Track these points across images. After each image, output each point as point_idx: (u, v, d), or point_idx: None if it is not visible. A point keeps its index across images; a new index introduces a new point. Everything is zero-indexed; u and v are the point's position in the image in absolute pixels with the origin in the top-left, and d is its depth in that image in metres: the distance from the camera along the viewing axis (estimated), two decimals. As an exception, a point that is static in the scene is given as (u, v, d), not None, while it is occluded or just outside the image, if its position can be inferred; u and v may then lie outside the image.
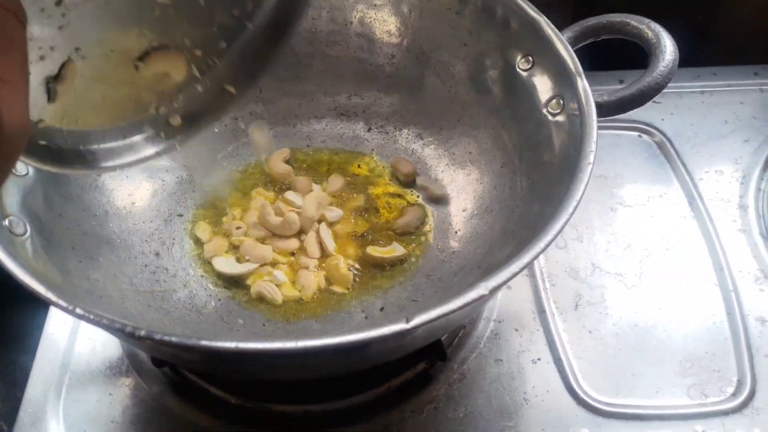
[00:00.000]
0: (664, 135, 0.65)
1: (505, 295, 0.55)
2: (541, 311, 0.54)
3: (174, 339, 0.35)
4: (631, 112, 0.64)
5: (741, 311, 0.53)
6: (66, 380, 0.51)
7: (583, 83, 0.46)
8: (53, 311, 0.55)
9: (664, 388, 0.50)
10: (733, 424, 0.48)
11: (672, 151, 0.64)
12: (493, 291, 0.37)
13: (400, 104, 0.60)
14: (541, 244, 0.38)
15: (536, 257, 0.38)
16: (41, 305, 0.55)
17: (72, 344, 0.53)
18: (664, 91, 0.66)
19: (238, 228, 0.54)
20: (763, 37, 0.72)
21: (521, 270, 0.37)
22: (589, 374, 0.51)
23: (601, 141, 0.64)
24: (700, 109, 0.67)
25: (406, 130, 0.60)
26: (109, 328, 0.37)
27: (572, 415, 0.49)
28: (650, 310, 0.54)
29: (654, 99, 0.65)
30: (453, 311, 0.36)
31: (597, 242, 0.58)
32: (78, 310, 0.37)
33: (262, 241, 0.54)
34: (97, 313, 0.36)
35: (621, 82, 0.67)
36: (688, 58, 0.71)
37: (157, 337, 0.35)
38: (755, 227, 0.58)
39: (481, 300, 0.37)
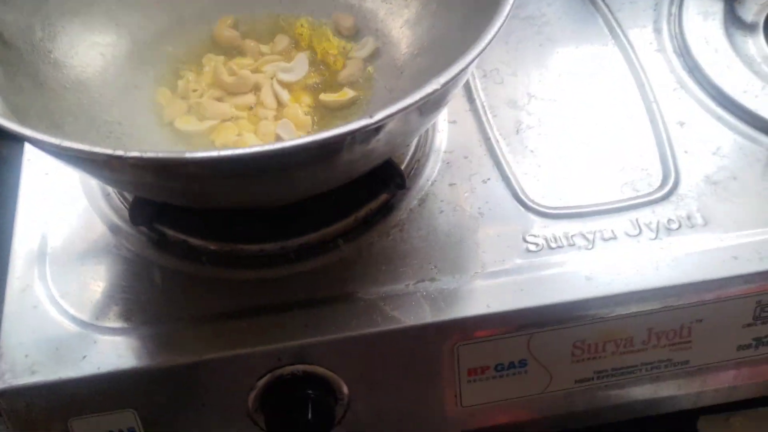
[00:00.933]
0: (586, -26, 0.69)
1: (452, 130, 0.60)
2: (487, 139, 0.59)
3: (161, 155, 0.38)
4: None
5: (662, 117, 0.59)
6: (48, 249, 0.54)
7: None
8: (25, 174, 0.57)
9: (601, 188, 0.56)
10: (661, 209, 0.54)
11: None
12: (445, 85, 0.41)
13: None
14: (478, 47, 0.42)
15: (482, 52, 0.42)
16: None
17: (50, 213, 0.55)
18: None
19: (194, 90, 0.56)
20: None
21: (469, 65, 0.42)
22: (535, 186, 0.56)
23: (524, -14, 0.69)
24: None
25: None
26: (96, 156, 0.39)
27: (523, 220, 0.54)
28: (584, 126, 0.59)
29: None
30: (412, 104, 0.40)
31: (530, 75, 0.63)
32: (65, 143, 0.39)
33: (219, 100, 0.56)
34: (82, 146, 0.39)
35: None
36: None
37: (146, 155, 0.38)
38: (669, 46, 0.64)
39: (436, 94, 0.41)
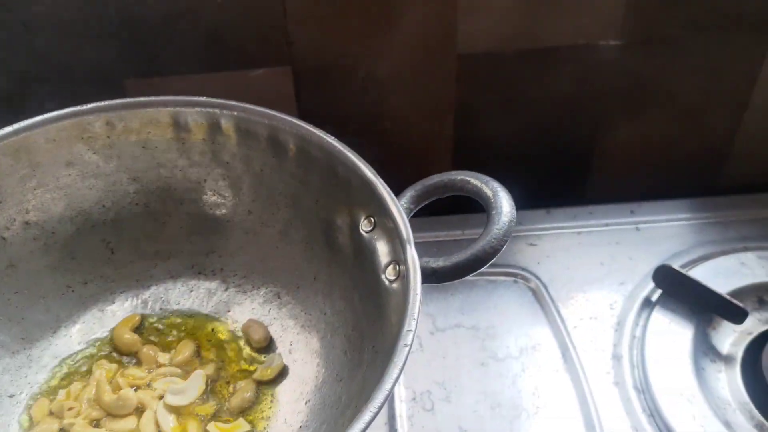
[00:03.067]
0: (540, 280, 0.63)
1: (366, 467, 0.51)
2: (403, 492, 0.50)
3: None
4: (507, 255, 0.63)
5: (613, 476, 0.50)
6: None
7: (411, 252, 0.44)
8: None
9: None
10: None
11: (547, 297, 0.62)
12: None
13: (258, 261, 0.58)
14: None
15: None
16: None
17: None
18: (540, 233, 0.66)
19: (69, 409, 0.50)
20: (640, 174, 0.72)
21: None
22: None
23: (474, 289, 0.63)
24: (577, 251, 0.66)
25: (264, 289, 0.57)
26: None
27: None
28: (518, 480, 0.50)
29: (530, 241, 0.64)
30: None
31: (465, 402, 0.55)
32: None
33: (96, 421, 0.50)
34: None
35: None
36: (567, 198, 0.72)
37: None
38: (629, 379, 0.56)
39: None
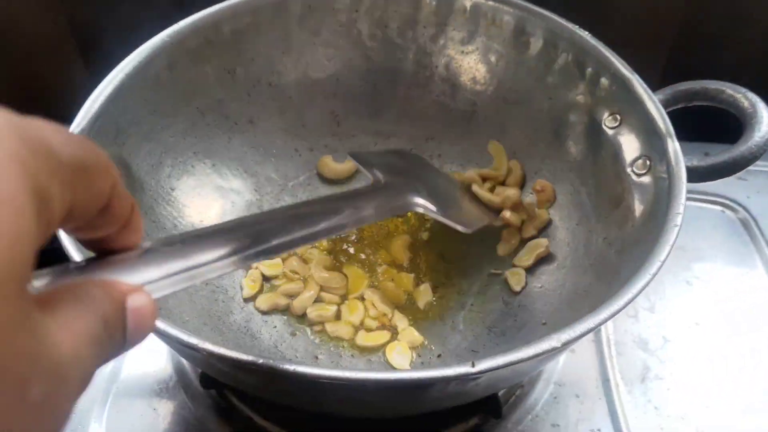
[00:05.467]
0: (749, 213, 0.62)
1: (569, 359, 0.53)
2: (605, 380, 0.52)
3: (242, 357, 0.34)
4: (715, 186, 0.62)
5: (825, 407, 0.50)
6: (113, 388, 0.51)
7: (674, 144, 0.44)
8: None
9: (734, 478, 0.46)
10: None
11: (756, 230, 0.61)
12: (566, 344, 0.35)
13: (477, 152, 0.59)
14: (620, 302, 0.36)
15: (614, 315, 0.36)
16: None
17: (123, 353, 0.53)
18: (751, 168, 0.64)
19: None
20: None
21: (597, 326, 0.35)
22: (653, 453, 0.48)
23: (680, 211, 0.62)
24: (789, 191, 0.64)
25: (481, 179, 0.59)
26: (183, 346, 0.36)
27: (631, 494, 0.46)
28: (723, 395, 0.50)
29: (740, 175, 0.62)
30: (522, 360, 0.34)
31: (670, 315, 0.55)
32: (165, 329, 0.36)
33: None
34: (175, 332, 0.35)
35: (706, 155, 0.64)
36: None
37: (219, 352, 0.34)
38: (844, 318, 0.55)
39: (553, 352, 0.35)
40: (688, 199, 0.62)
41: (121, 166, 0.49)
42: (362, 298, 0.52)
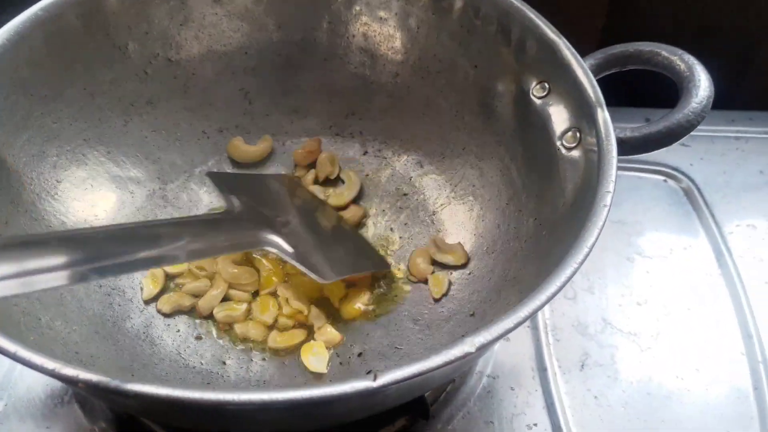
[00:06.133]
0: (692, 181, 0.59)
1: (503, 348, 0.49)
2: (542, 369, 0.48)
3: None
4: (656, 154, 0.58)
5: (773, 383, 0.47)
6: (1, 406, 0.46)
7: (603, 114, 0.40)
8: None
9: (678, 470, 0.43)
10: None
11: (700, 199, 0.58)
12: (481, 349, 0.31)
13: (402, 127, 0.54)
14: (543, 297, 0.32)
15: (536, 311, 0.32)
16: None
17: (14, 365, 0.48)
18: (694, 134, 0.60)
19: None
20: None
21: (516, 326, 0.31)
22: (592, 447, 0.44)
23: (621, 183, 0.58)
24: (734, 157, 0.61)
25: (405, 156, 0.54)
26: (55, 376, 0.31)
27: (569, 496, 0.42)
28: (666, 378, 0.47)
29: (682, 141, 0.59)
30: (429, 370, 0.30)
31: (610, 295, 0.52)
32: (20, 353, 0.31)
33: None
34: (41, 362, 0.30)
35: (647, 120, 0.61)
36: (723, 101, 0.65)
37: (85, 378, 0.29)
38: (789, 289, 0.52)
39: (466, 358, 0.31)
40: (627, 169, 0.60)
41: (-7, 157, 0.44)
42: (275, 294, 0.47)
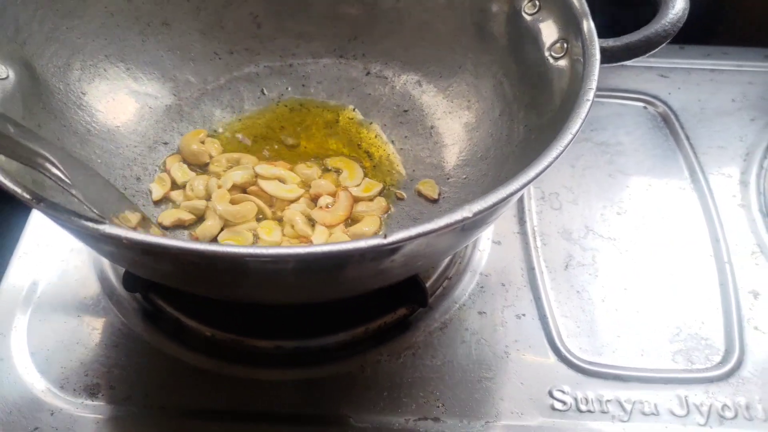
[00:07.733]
0: (670, 108, 0.63)
1: (495, 251, 0.54)
2: (530, 269, 0.53)
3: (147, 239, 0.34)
4: (637, 84, 0.63)
5: (734, 283, 0.52)
6: (35, 297, 0.50)
7: (588, 23, 0.44)
8: (31, 225, 0.54)
9: (649, 351, 0.48)
10: (717, 390, 0.46)
11: (676, 124, 0.62)
12: (477, 214, 0.35)
13: (402, 49, 0.58)
14: (531, 173, 0.37)
15: (527, 185, 0.36)
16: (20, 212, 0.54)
17: (46, 261, 0.52)
18: (672, 66, 0.65)
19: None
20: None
21: (508, 197, 0.36)
22: (574, 333, 0.49)
23: (604, 109, 0.64)
24: (708, 87, 0.65)
25: (405, 76, 0.58)
26: (74, 225, 0.35)
27: (553, 371, 0.47)
28: (641, 276, 0.52)
29: (662, 72, 0.64)
30: (432, 231, 0.34)
31: (592, 206, 0.56)
32: (42, 205, 0.35)
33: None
34: (63, 209, 0.35)
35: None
36: (700, 36, 0.70)
37: (129, 237, 0.34)
38: (755, 203, 0.56)
39: (464, 222, 0.35)
40: (610, 97, 0.64)
41: (24, 67, 0.47)
42: (279, 219, 0.51)
